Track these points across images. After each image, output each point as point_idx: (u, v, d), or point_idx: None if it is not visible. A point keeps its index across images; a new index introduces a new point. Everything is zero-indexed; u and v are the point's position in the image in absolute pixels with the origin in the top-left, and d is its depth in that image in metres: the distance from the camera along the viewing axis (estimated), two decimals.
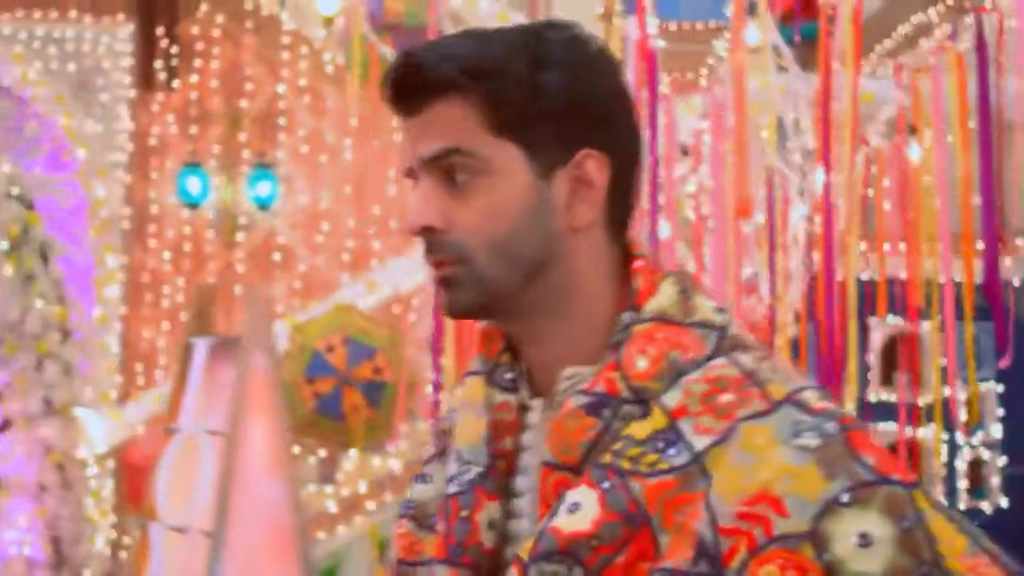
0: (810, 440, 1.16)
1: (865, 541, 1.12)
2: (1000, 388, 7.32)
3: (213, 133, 8.25)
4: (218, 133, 8.24)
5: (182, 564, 4.76)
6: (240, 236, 8.08)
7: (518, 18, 8.67)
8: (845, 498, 1.13)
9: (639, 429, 1.21)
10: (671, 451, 1.19)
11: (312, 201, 8.25)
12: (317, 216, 8.27)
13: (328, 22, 8.49)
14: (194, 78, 8.26)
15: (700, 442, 1.18)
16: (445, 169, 1.25)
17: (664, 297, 1.27)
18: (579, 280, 1.28)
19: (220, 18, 8.30)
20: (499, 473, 1.31)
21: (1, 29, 8.15)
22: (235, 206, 8.10)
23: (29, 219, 5.80)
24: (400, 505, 1.42)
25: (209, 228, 8.10)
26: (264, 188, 7.97)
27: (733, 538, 1.14)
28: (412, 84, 1.24)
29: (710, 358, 1.24)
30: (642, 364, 1.23)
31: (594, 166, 1.26)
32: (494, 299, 1.26)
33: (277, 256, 8.10)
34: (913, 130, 4.93)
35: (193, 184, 7.89)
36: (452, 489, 1.31)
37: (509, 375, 1.33)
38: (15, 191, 5.84)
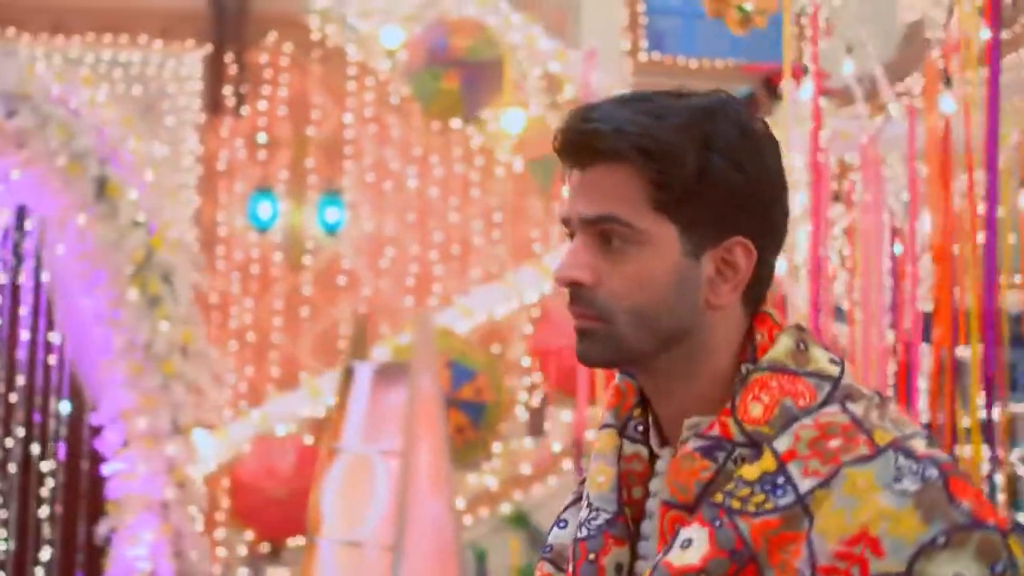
0: (910, 484, 1.21)
1: None
2: None
3: (280, 159, 8.42)
4: (285, 159, 8.42)
5: None
6: (307, 260, 8.26)
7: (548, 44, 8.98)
8: (941, 540, 1.18)
9: (750, 471, 1.27)
10: (778, 492, 1.25)
11: (376, 227, 8.45)
12: (381, 241, 8.48)
13: (391, 54, 8.74)
14: (262, 105, 8.43)
15: (805, 484, 1.24)
16: (601, 231, 1.30)
17: (781, 348, 1.32)
18: (713, 348, 1.34)
19: (287, 47, 8.49)
20: (627, 520, 1.37)
21: (70, 53, 8.27)
22: (303, 231, 8.27)
23: (153, 243, 5.96)
24: (540, 549, 1.49)
25: (277, 251, 8.26)
26: (332, 214, 8.16)
27: None
28: (584, 145, 1.30)
29: (822, 405, 1.28)
30: (756, 410, 1.29)
31: (742, 253, 1.31)
32: (626, 359, 1.33)
33: (342, 280, 8.28)
34: None
35: (264, 208, 8.07)
36: (581, 534, 1.38)
37: (639, 427, 1.39)
38: (140, 217, 6.00)
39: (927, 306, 7.01)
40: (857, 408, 1.29)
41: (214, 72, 8.35)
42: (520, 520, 6.49)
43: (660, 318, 1.30)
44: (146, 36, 8.32)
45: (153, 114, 8.36)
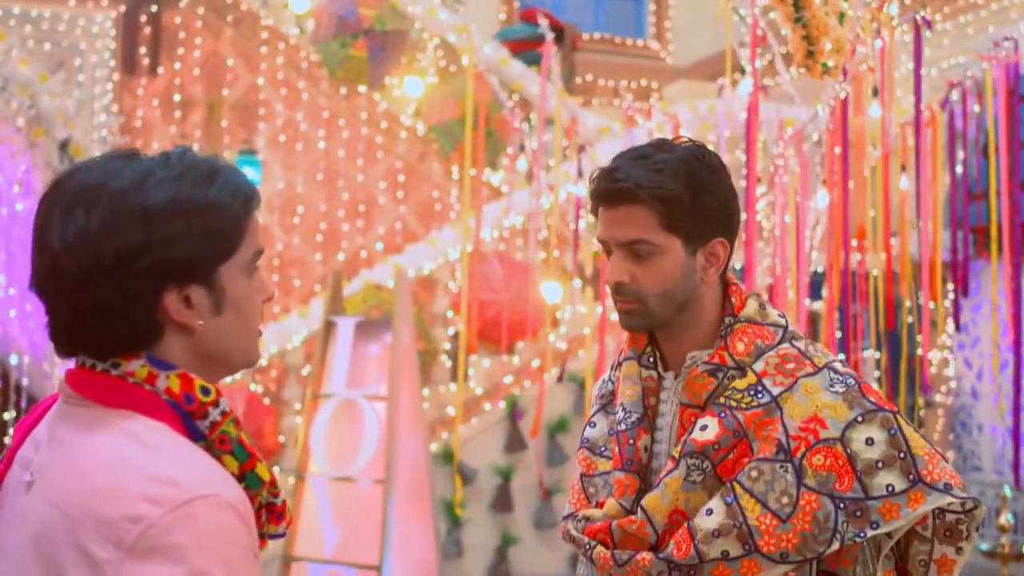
0: (839, 387, 2.02)
1: (870, 442, 1.97)
2: (877, 355, 8.78)
3: (195, 119, 8.70)
4: (200, 119, 8.70)
5: (348, 508, 5.44)
6: None
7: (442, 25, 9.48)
8: (859, 418, 1.98)
9: (740, 383, 2.05)
10: (758, 396, 2.02)
11: (288, 185, 8.84)
12: (292, 200, 8.87)
13: (300, 20, 9.10)
14: (177, 66, 8.69)
15: (776, 390, 2.02)
16: (632, 248, 2.06)
17: (751, 308, 2.13)
18: (705, 309, 2.12)
19: (201, 10, 8.75)
20: (648, 417, 2.14)
21: None
22: None
23: None
24: (581, 443, 2.26)
25: None
26: (249, 172, 8.49)
27: (797, 441, 1.97)
28: (616, 194, 2.05)
29: (779, 343, 2.09)
30: (740, 347, 2.08)
31: (720, 247, 2.10)
32: (656, 322, 2.11)
33: None
34: None
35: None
36: (622, 427, 2.15)
37: (651, 358, 2.17)
38: None
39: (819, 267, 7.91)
40: (800, 344, 2.09)
41: (129, 32, 8.55)
42: (448, 457, 7.09)
43: (676, 295, 2.08)
44: None
45: (64, 71, 8.52)
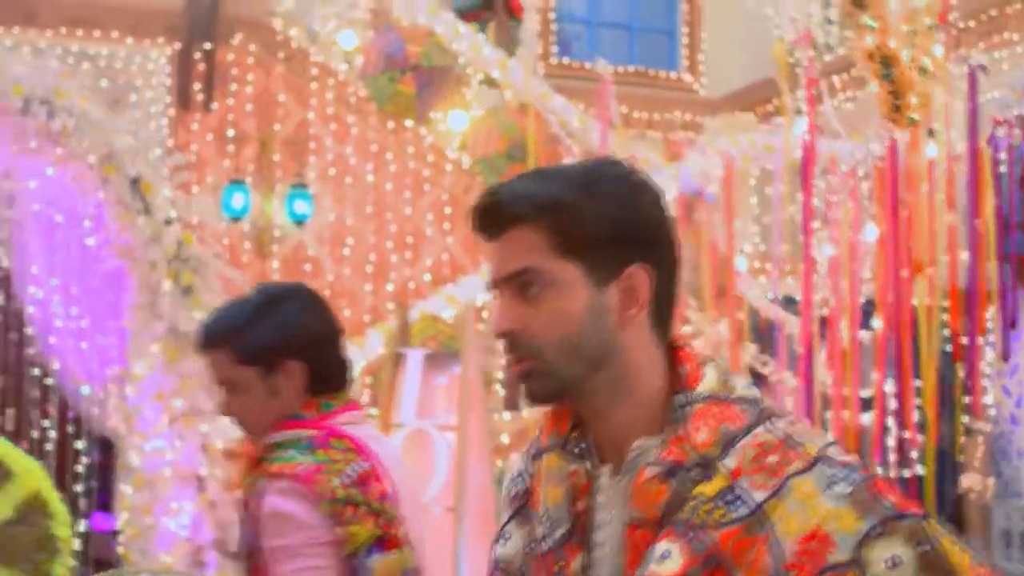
0: (843, 488, 1.46)
1: (894, 563, 1.41)
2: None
3: (248, 153, 8.92)
4: (252, 153, 8.92)
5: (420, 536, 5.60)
6: (274, 248, 8.81)
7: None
8: (877, 530, 1.42)
9: (707, 488, 1.49)
10: (735, 506, 1.48)
11: (338, 218, 9.04)
12: (342, 232, 9.07)
13: (349, 57, 9.33)
14: (230, 101, 8.91)
15: (759, 495, 1.47)
16: (520, 284, 1.55)
17: (710, 379, 1.57)
18: (634, 368, 1.56)
19: (253, 47, 8.99)
20: (580, 529, 1.59)
21: (39, 44, 8.57)
22: (271, 221, 8.81)
23: (185, 238, 6.48)
24: (489, 564, 1.72)
25: (246, 240, 8.78)
26: (301, 206, 8.73)
27: (795, 570, 1.43)
28: (492, 216, 1.56)
29: (754, 426, 1.53)
30: (703, 435, 1.52)
31: (640, 277, 1.56)
32: (564, 386, 1.55)
33: (307, 267, 8.86)
34: None
35: (237, 199, 8.57)
36: (546, 547, 1.61)
37: (579, 447, 1.62)
38: (173, 214, 6.50)
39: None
40: (781, 426, 1.54)
41: (183, 69, 8.78)
42: (500, 482, 7.24)
43: (582, 344, 1.54)
44: (116, 31, 8.68)
45: (119, 107, 8.74)
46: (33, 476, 4.44)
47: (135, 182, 6.44)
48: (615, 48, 12.21)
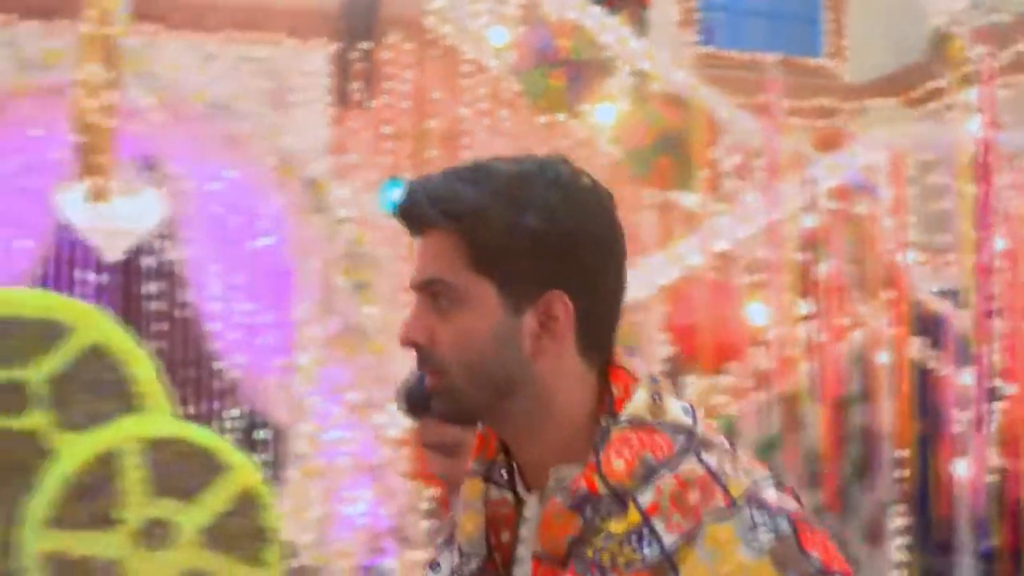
0: (765, 538, 1.31)
1: None
2: None
3: (404, 150, 9.14)
4: (408, 150, 9.13)
5: None
6: None
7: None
8: None
9: (617, 525, 1.34)
10: (644, 546, 1.32)
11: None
12: None
13: (500, 53, 9.48)
14: (386, 99, 9.13)
15: (670, 539, 1.32)
16: (431, 294, 1.41)
17: (638, 402, 1.39)
18: (551, 396, 1.40)
19: (408, 46, 9.19)
20: (496, 565, 1.44)
21: (207, 48, 8.86)
22: None
23: (358, 236, 6.71)
24: None
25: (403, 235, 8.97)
26: None
27: None
28: (408, 217, 1.43)
29: (680, 456, 1.36)
30: (619, 465, 1.34)
31: (560, 306, 1.38)
32: (469, 410, 1.42)
33: None
34: None
35: (395, 196, 8.77)
36: None
37: (504, 472, 1.47)
38: (346, 213, 6.73)
39: None
40: (711, 458, 1.37)
41: (341, 68, 9.02)
42: None
43: (488, 371, 1.39)
44: (278, 33, 8.94)
45: (281, 107, 9.00)
46: (246, 470, 4.67)
47: (311, 183, 6.67)
48: (757, 35, 12.18)
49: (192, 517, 4.81)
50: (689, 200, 9.39)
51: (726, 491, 1.35)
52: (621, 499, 1.34)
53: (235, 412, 7.29)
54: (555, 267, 1.38)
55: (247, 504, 4.77)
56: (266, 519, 4.79)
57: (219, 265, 6.89)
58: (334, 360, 6.54)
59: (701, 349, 7.72)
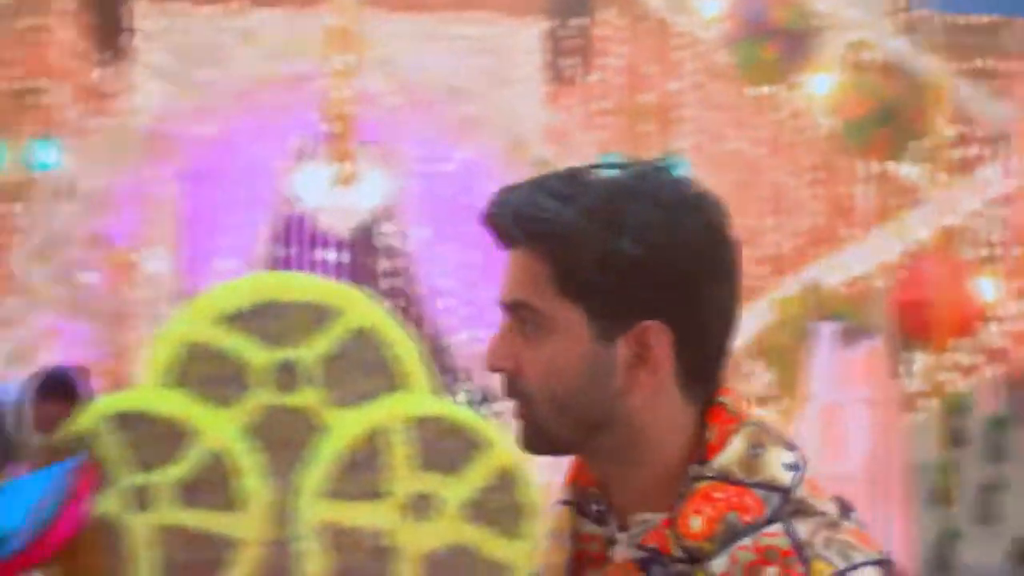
0: None
1: None
2: None
3: (618, 125, 9.20)
4: (623, 125, 9.20)
5: None
6: None
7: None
8: None
9: None
10: None
11: (708, 185, 9.18)
12: None
13: (710, 24, 9.44)
14: (600, 75, 9.21)
15: None
16: (518, 316, 1.27)
17: (731, 453, 1.24)
18: (644, 434, 1.26)
19: (620, 21, 9.24)
20: None
21: (424, 28, 9.04)
22: None
23: None
24: None
25: None
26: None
27: None
28: (493, 230, 1.28)
29: (769, 522, 1.20)
30: (696, 524, 1.21)
31: (653, 337, 1.23)
32: (553, 446, 1.28)
33: None
34: None
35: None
36: None
37: (598, 507, 1.32)
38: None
39: None
40: (803, 528, 1.20)
41: (555, 44, 9.12)
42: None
43: (576, 405, 1.25)
44: (492, 12, 9.09)
45: (498, 85, 9.14)
46: (505, 446, 4.82)
47: (540, 162, 6.77)
48: None
49: (455, 491, 4.99)
50: (908, 172, 9.21)
51: (808, 570, 1.17)
52: (695, 562, 1.21)
53: (466, 388, 7.46)
54: (651, 294, 1.23)
55: (507, 479, 4.93)
56: (525, 494, 4.93)
57: (450, 243, 7.06)
58: None
59: (929, 324, 7.59)
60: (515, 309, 1.27)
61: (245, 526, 4.33)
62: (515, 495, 5.06)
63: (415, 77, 6.76)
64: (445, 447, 5.07)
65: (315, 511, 4.63)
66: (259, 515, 4.39)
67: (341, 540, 4.59)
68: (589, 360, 1.24)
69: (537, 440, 1.28)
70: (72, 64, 8.71)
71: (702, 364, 1.27)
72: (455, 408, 4.94)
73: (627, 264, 1.21)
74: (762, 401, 7.67)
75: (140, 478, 5.25)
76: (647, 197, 1.23)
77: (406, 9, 8.91)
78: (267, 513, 4.47)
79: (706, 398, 1.27)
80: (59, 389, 5.14)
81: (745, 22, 9.21)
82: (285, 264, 7.92)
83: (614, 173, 1.26)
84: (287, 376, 5.09)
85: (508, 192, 1.27)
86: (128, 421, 5.25)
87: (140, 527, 5.04)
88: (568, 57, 9.12)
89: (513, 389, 1.28)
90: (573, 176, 1.26)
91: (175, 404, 4.86)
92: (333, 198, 7.27)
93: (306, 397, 5.17)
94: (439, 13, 9.01)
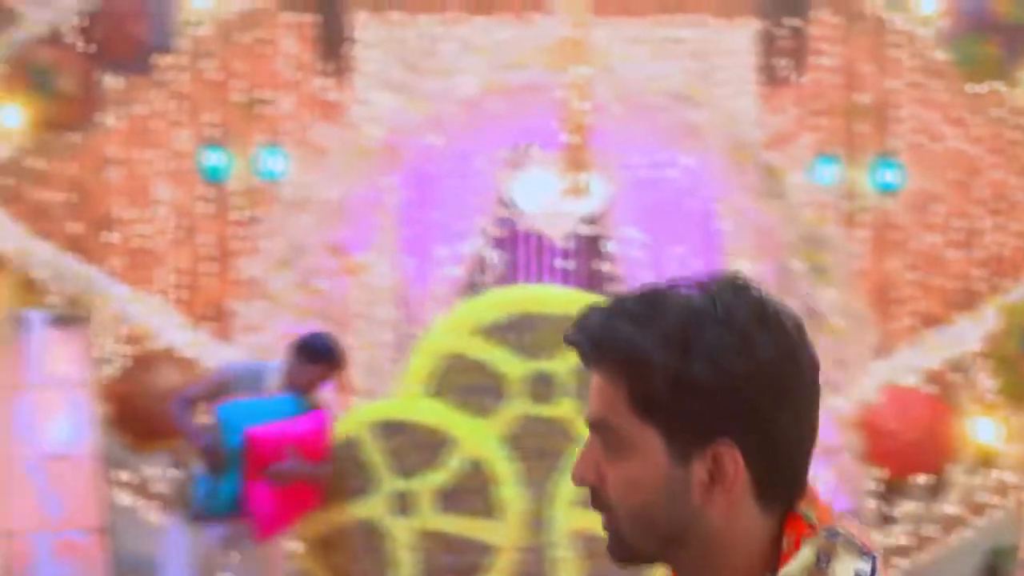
0: None
1: None
2: None
3: (833, 126, 9.10)
4: (838, 126, 9.09)
5: None
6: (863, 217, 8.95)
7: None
8: None
9: None
10: None
11: (924, 186, 9.04)
12: (928, 199, 9.06)
13: (929, 21, 9.25)
14: (814, 75, 9.11)
15: None
16: (598, 432, 1.34)
17: (798, 562, 1.27)
18: (722, 546, 1.31)
19: (835, 19, 9.12)
20: None
21: (631, 32, 9.07)
22: (858, 190, 8.94)
23: (817, 219, 6.76)
24: None
25: (834, 210, 8.95)
26: (888, 175, 8.80)
27: None
28: (576, 351, 1.35)
29: None
30: None
31: (728, 457, 1.28)
32: (638, 556, 1.34)
33: (896, 236, 8.92)
34: None
35: (826, 172, 8.77)
36: None
37: None
38: (802, 197, 6.78)
39: None
40: None
41: (768, 45, 9.06)
42: None
43: (654, 520, 1.31)
44: (703, 14, 9.07)
45: (695, 83, 9.10)
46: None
47: (766, 168, 6.77)
48: None
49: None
50: None
51: None
52: None
53: None
54: (724, 416, 1.28)
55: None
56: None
57: (674, 248, 7.12)
58: None
59: None
60: (597, 427, 1.34)
61: (502, 533, 4.53)
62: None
63: (634, 83, 6.81)
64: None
65: (569, 519, 4.79)
66: (515, 522, 4.59)
67: (594, 547, 4.76)
68: (666, 479, 1.29)
69: (621, 550, 1.34)
70: (297, 75, 9.05)
71: (778, 477, 1.31)
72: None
73: (700, 389, 1.27)
74: (987, 410, 7.51)
75: (402, 484, 5.55)
76: (720, 322, 1.28)
77: (615, 13, 8.98)
78: (523, 520, 4.66)
79: (785, 507, 1.32)
80: (316, 353, 5.56)
81: (964, 17, 9.01)
82: (511, 272, 8.09)
83: (690, 295, 1.31)
84: (543, 387, 5.30)
85: (589, 314, 1.33)
86: (391, 429, 5.55)
87: (401, 531, 5.31)
88: (782, 58, 9.04)
89: (597, 502, 1.34)
90: (650, 299, 1.32)
91: (436, 413, 5.12)
92: (554, 205, 7.39)
93: (561, 408, 5.36)
94: (650, 16, 9.04)
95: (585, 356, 1.34)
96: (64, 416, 7.09)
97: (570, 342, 1.33)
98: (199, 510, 5.36)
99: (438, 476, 4.70)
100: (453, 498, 4.51)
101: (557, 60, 6.54)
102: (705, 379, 1.26)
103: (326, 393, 5.19)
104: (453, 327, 5.00)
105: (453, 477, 4.69)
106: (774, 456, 1.30)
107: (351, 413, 5.29)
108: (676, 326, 1.28)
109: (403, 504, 4.73)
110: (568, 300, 5.01)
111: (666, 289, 1.33)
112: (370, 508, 4.85)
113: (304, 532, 5.03)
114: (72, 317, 7.29)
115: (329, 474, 4.97)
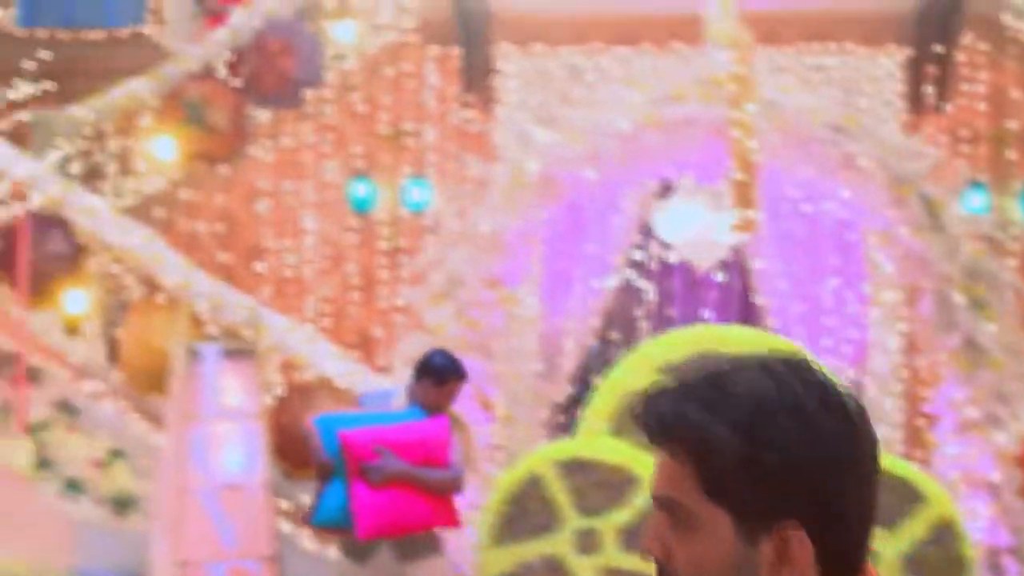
0: None
1: None
2: None
3: (981, 153, 8.99)
4: (986, 153, 8.97)
5: None
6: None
7: None
8: None
9: None
10: None
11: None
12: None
13: None
14: (962, 102, 9.01)
15: None
16: (667, 508, 1.36)
17: None
18: None
19: (983, 46, 9.01)
20: None
21: (778, 60, 9.06)
22: (1007, 218, 8.82)
23: (978, 252, 6.68)
24: None
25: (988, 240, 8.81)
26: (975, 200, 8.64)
27: None
28: (644, 430, 1.38)
29: None
30: None
31: (795, 539, 1.31)
32: None
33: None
34: None
35: (975, 200, 8.66)
36: None
37: None
38: (962, 230, 6.71)
39: None
40: None
41: (914, 72, 8.97)
42: None
43: None
44: (848, 42, 9.02)
45: (848, 114, 9.06)
46: (943, 500, 4.89)
47: (926, 200, 6.71)
48: None
49: (892, 545, 5.13)
50: None
51: None
52: None
53: None
54: (791, 498, 1.32)
55: (944, 533, 4.98)
56: (962, 549, 4.97)
57: (830, 280, 7.09)
58: (953, 377, 6.55)
59: None
60: (663, 504, 1.36)
61: None
62: (952, 549, 5.07)
63: (791, 114, 6.80)
64: (881, 501, 5.18)
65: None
66: None
67: None
68: (734, 559, 1.32)
69: None
70: (441, 107, 9.20)
71: (842, 555, 1.34)
72: (891, 459, 4.98)
73: (769, 474, 1.30)
74: None
75: (586, 522, 5.60)
76: (788, 409, 1.31)
77: (759, 41, 8.94)
78: None
79: None
80: (439, 371, 5.58)
81: None
82: (663, 303, 8.12)
83: (757, 379, 1.34)
84: None
85: (657, 396, 1.37)
86: (575, 467, 5.59)
87: (586, 570, 5.36)
88: (928, 85, 8.95)
89: (663, 573, 1.37)
90: (718, 383, 1.35)
91: (620, 452, 5.14)
92: (702, 236, 7.40)
93: None
94: (795, 44, 9.01)
95: (653, 436, 1.37)
96: (237, 446, 7.28)
97: (638, 422, 1.37)
98: (318, 521, 5.42)
99: (622, 515, 4.75)
100: (637, 536, 4.56)
101: (716, 93, 6.56)
102: (774, 465, 1.30)
103: (460, 407, 5.26)
104: (637, 365, 5.05)
105: (637, 515, 4.74)
106: (838, 536, 1.34)
107: (535, 451, 5.38)
108: (745, 415, 1.32)
109: (587, 542, 4.79)
110: (751, 340, 5.01)
111: (731, 371, 1.36)
112: (554, 545, 4.91)
113: (486, 569, 5.10)
114: (242, 349, 7.47)
115: (455, 482, 4.97)
